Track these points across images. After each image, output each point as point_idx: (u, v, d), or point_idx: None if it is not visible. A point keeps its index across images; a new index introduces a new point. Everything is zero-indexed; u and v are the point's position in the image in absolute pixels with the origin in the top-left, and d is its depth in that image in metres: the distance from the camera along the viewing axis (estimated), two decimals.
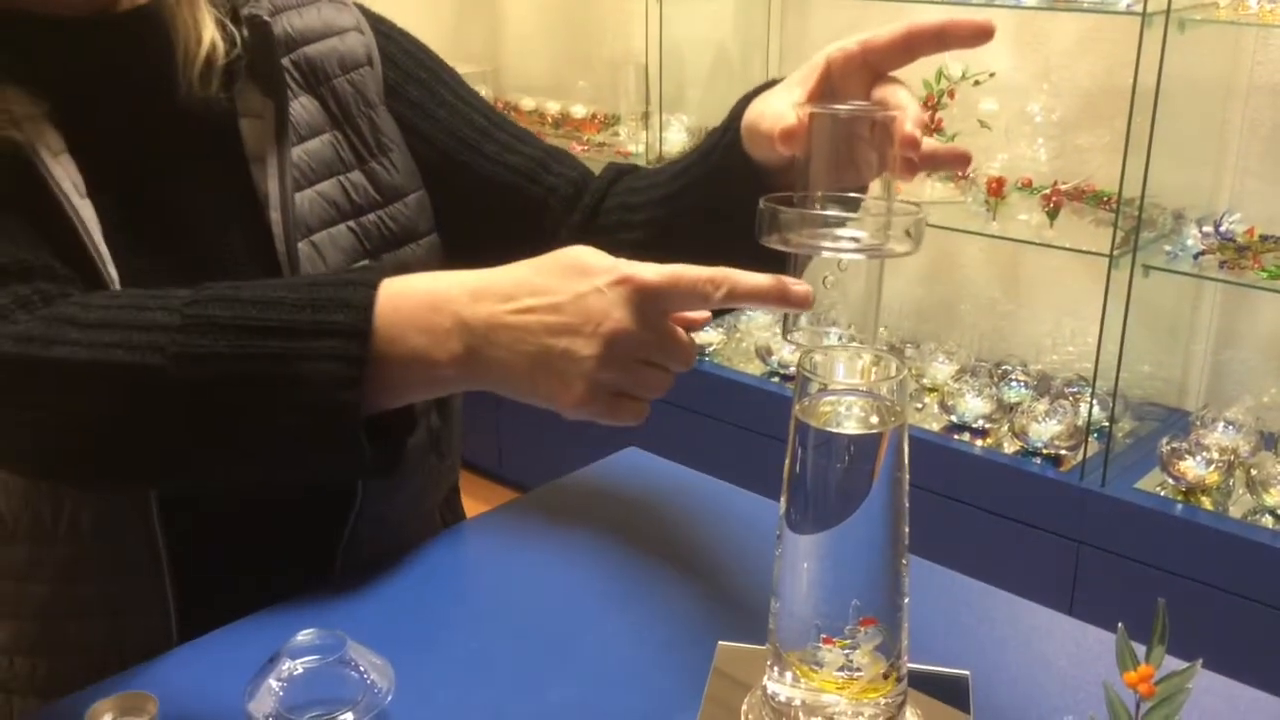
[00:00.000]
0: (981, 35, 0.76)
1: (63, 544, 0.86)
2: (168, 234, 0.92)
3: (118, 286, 0.84)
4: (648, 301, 0.70)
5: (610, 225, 1.01)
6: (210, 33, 0.90)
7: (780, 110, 0.80)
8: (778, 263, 0.72)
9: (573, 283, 0.71)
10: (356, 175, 0.98)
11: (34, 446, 0.76)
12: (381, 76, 1.01)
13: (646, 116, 2.69)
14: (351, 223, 0.97)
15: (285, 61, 0.96)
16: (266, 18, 0.93)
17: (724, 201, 0.86)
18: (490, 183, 1.03)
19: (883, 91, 0.78)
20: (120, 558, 0.88)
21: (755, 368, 2.56)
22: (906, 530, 0.76)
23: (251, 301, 0.71)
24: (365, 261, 0.97)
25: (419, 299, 0.72)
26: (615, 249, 0.71)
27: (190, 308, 0.71)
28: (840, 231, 0.73)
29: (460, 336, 0.71)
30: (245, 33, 0.93)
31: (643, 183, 1.02)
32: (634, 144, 2.79)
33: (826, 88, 0.81)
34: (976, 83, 2.29)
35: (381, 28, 1.04)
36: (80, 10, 0.87)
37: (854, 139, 0.78)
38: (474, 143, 1.03)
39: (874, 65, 0.79)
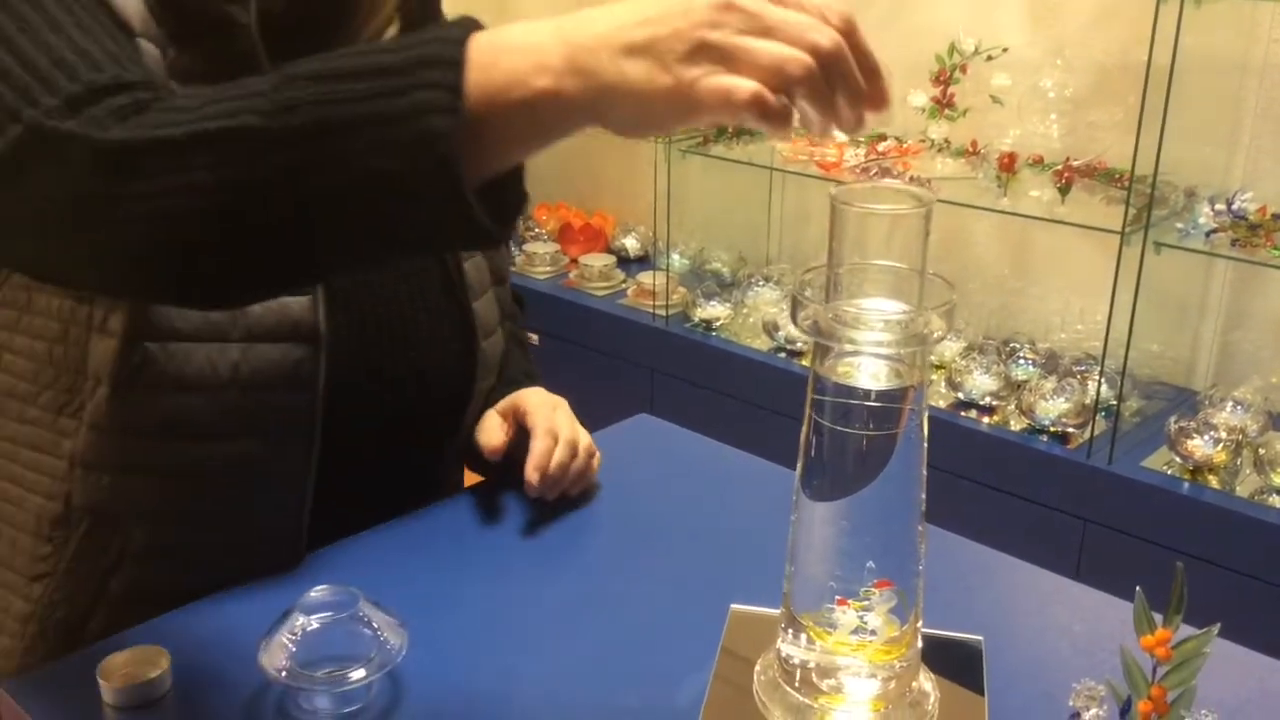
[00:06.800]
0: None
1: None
2: None
3: None
4: None
5: None
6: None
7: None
8: None
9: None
10: None
11: (136, 249, 0.71)
12: None
13: None
14: None
15: None
16: None
17: None
18: None
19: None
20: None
21: (762, 343, 2.56)
22: (923, 496, 0.76)
23: (342, 54, 0.70)
24: None
25: (514, 30, 0.71)
26: None
27: (283, 70, 0.69)
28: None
29: (558, 49, 0.68)
30: None
31: None
32: None
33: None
34: (989, 58, 2.28)
35: None
36: None
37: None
38: None
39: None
